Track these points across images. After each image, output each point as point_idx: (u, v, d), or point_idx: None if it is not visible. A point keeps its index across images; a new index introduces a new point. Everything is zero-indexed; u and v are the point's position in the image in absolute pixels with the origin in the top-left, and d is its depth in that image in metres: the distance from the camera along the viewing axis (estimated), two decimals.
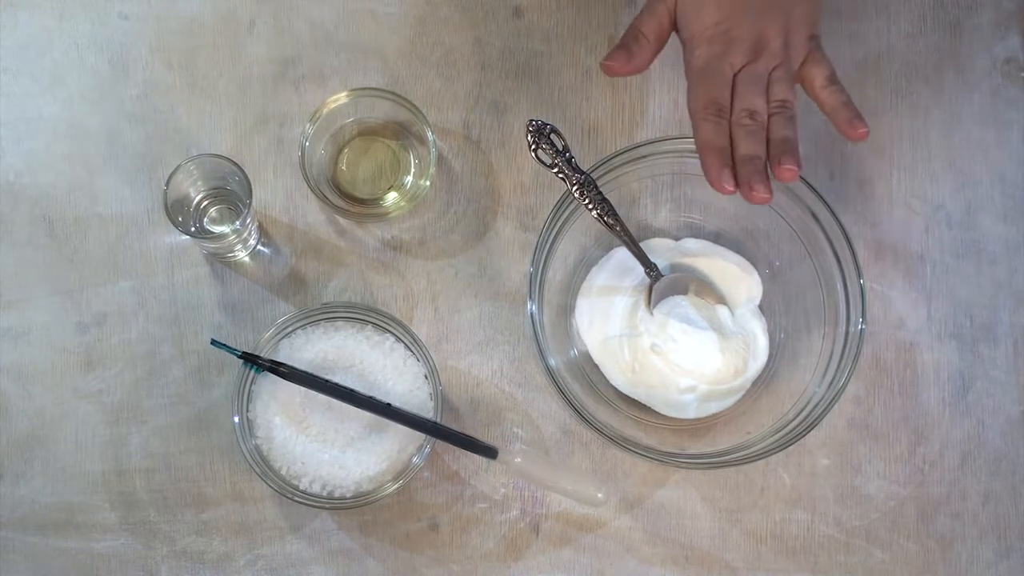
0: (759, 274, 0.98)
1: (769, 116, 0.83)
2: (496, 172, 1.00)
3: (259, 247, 0.98)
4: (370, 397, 0.91)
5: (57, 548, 0.95)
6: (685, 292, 0.97)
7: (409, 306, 0.98)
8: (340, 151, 0.99)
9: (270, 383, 0.93)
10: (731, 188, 0.81)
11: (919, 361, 0.99)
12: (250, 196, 0.91)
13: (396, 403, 0.91)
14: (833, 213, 0.92)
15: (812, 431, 0.90)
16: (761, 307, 0.98)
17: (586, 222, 0.94)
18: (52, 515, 0.96)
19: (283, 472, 0.93)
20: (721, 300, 0.97)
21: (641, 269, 0.96)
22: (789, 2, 0.85)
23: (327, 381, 0.91)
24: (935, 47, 1.01)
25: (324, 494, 0.92)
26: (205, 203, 0.96)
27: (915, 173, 1.00)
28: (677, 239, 0.99)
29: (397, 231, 0.99)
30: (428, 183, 0.96)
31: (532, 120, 0.92)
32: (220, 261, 0.98)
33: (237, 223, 0.92)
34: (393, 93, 0.96)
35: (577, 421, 0.93)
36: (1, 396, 0.96)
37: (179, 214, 0.93)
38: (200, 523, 0.96)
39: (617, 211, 0.92)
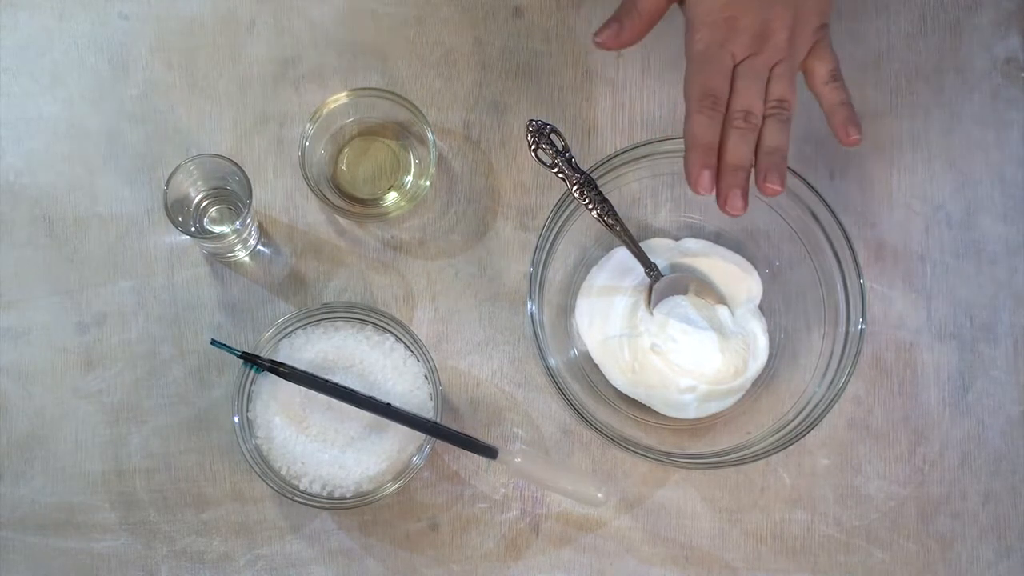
0: (759, 274, 0.98)
1: (764, 117, 0.82)
2: (496, 172, 1.00)
3: (259, 247, 0.98)
4: (370, 397, 0.91)
5: (57, 548, 0.95)
6: (685, 292, 0.97)
7: (409, 306, 0.98)
8: (340, 151, 0.99)
9: (270, 383, 0.93)
10: (706, 191, 0.80)
11: (919, 361, 0.99)
12: (250, 196, 0.91)
13: (396, 403, 0.91)
14: (833, 213, 0.92)
15: (812, 431, 0.90)
16: (761, 307, 0.98)
17: (586, 222, 0.94)
18: (52, 515, 0.96)
19: (283, 472, 0.93)
20: (721, 300, 0.97)
21: (641, 269, 0.96)
22: None
23: (327, 381, 0.91)
24: (935, 47, 1.01)
25: (324, 494, 0.92)
26: (205, 203, 0.96)
27: (915, 173, 1.00)
28: (677, 239, 0.99)
29: (397, 231, 0.99)
30: (428, 183, 0.96)
31: (532, 120, 0.92)
32: (220, 261, 0.98)
33: (237, 223, 0.92)
34: (393, 93, 0.96)
35: (577, 421, 0.93)
36: (1, 396, 0.96)
37: (179, 214, 0.93)
38: (200, 523, 0.96)
39: (617, 211, 0.92)
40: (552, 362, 0.91)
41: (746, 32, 0.82)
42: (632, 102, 1.00)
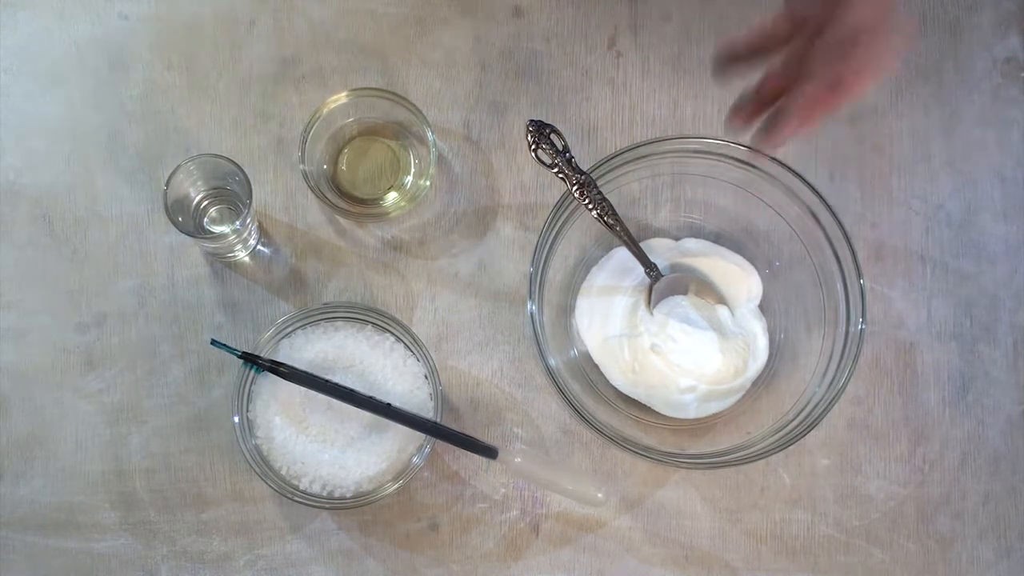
0: (759, 274, 0.98)
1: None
2: (496, 172, 1.00)
3: (259, 247, 0.98)
4: (370, 397, 0.91)
5: (57, 548, 0.95)
6: (685, 292, 0.97)
7: (409, 306, 0.98)
8: (340, 151, 0.99)
9: (270, 383, 0.93)
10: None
11: (919, 361, 0.99)
12: (250, 196, 0.91)
13: (396, 403, 0.91)
14: (833, 213, 0.92)
15: (812, 431, 0.90)
16: (761, 307, 0.98)
17: (586, 222, 0.94)
18: (52, 515, 0.96)
19: (283, 472, 0.93)
20: (721, 300, 0.97)
21: (641, 269, 0.96)
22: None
23: (327, 381, 0.91)
24: (935, 47, 1.01)
25: (324, 494, 0.92)
26: (205, 203, 0.96)
27: (915, 173, 1.00)
28: (677, 239, 0.99)
29: (397, 231, 0.99)
30: (428, 183, 0.96)
31: (532, 120, 0.92)
32: (220, 261, 0.98)
33: (237, 223, 0.92)
34: (393, 93, 0.95)
35: (577, 421, 0.93)
36: (1, 396, 0.96)
37: (179, 214, 0.93)
38: (200, 523, 0.96)
39: (617, 211, 0.92)
40: (552, 362, 0.91)
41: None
42: (632, 102, 1.00)
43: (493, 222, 0.99)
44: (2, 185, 0.98)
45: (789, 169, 0.91)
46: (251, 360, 0.91)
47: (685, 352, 0.95)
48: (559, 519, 0.97)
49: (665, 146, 0.93)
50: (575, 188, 0.91)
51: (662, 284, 0.96)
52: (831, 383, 0.91)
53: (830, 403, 0.90)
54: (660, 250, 0.98)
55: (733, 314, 0.97)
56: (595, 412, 0.93)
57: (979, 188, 1.00)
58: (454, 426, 0.94)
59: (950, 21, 1.02)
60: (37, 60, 0.99)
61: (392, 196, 0.99)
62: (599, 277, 0.98)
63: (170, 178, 0.90)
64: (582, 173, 0.91)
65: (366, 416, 0.92)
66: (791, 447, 0.90)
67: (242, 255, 0.98)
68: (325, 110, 0.95)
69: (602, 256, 0.99)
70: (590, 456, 0.98)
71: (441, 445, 0.95)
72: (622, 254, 0.97)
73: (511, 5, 1.01)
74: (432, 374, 0.93)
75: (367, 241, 0.99)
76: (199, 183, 0.94)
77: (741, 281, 0.98)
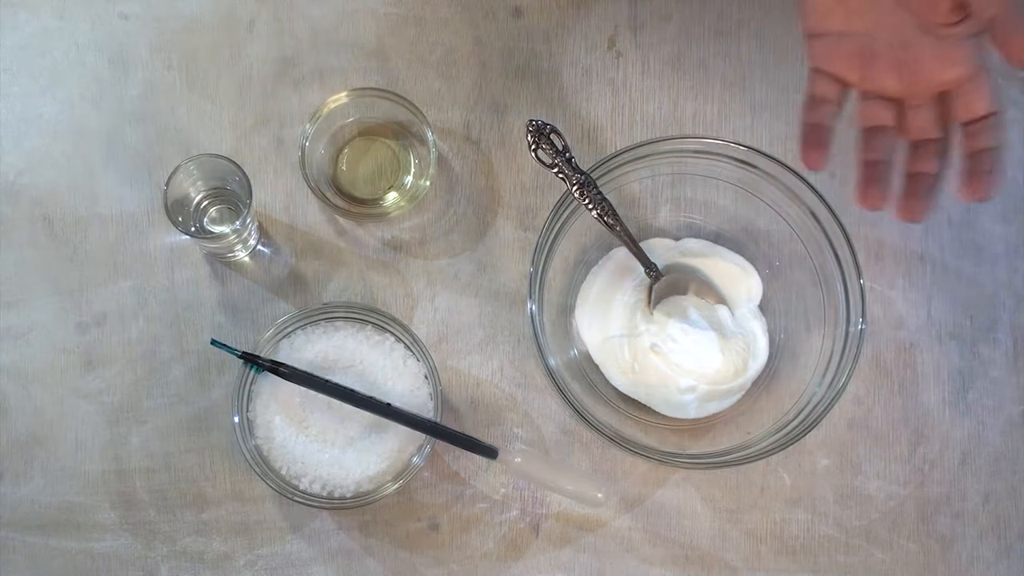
0: (759, 274, 0.98)
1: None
2: (496, 172, 1.00)
3: (259, 247, 0.98)
4: (370, 397, 0.91)
5: (57, 548, 0.95)
6: (685, 292, 0.97)
7: (409, 306, 0.98)
8: (340, 151, 0.99)
9: (270, 383, 0.93)
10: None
11: (919, 361, 0.99)
12: (250, 196, 0.91)
13: (396, 403, 0.91)
14: (833, 213, 0.92)
15: (812, 431, 0.90)
16: (761, 307, 0.98)
17: (586, 222, 0.94)
18: (52, 515, 0.96)
19: (283, 472, 0.93)
20: (721, 300, 0.97)
21: (641, 269, 0.96)
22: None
23: (327, 381, 0.91)
24: None
25: (324, 494, 0.92)
26: (205, 203, 0.96)
27: None
28: (677, 239, 0.99)
29: (397, 231, 0.99)
30: (428, 183, 0.96)
31: (532, 120, 0.92)
32: (220, 261, 0.98)
33: (237, 223, 0.92)
34: (393, 93, 0.95)
35: (577, 421, 0.93)
36: (1, 396, 0.96)
37: (179, 214, 0.93)
38: (200, 523, 0.96)
39: (617, 211, 0.92)
40: (552, 362, 0.91)
41: None
42: (632, 102, 1.00)
43: (493, 222, 0.99)
44: (2, 185, 0.98)
45: (789, 169, 0.92)
46: (251, 360, 0.91)
47: (685, 352, 0.95)
48: (559, 519, 0.97)
49: (665, 146, 0.93)
50: (575, 188, 0.91)
51: (662, 284, 0.96)
52: (831, 383, 0.91)
53: (830, 403, 0.90)
54: (660, 250, 0.98)
55: (733, 314, 0.97)
56: (595, 412, 0.93)
57: None
58: (454, 426, 0.94)
59: None
60: (37, 60, 0.99)
61: (392, 196, 0.99)
62: (599, 277, 0.98)
63: (170, 178, 0.90)
64: (582, 173, 0.91)
65: (366, 416, 0.92)
66: (791, 447, 0.90)
67: (242, 255, 0.98)
68: (325, 110, 0.95)
69: (602, 256, 0.99)
70: (590, 456, 0.98)
71: (441, 445, 0.95)
72: (622, 254, 0.97)
73: (511, 5, 1.01)
74: (432, 374, 0.93)
75: (367, 241, 0.99)
76: (199, 183, 0.94)
77: (741, 281, 0.98)
